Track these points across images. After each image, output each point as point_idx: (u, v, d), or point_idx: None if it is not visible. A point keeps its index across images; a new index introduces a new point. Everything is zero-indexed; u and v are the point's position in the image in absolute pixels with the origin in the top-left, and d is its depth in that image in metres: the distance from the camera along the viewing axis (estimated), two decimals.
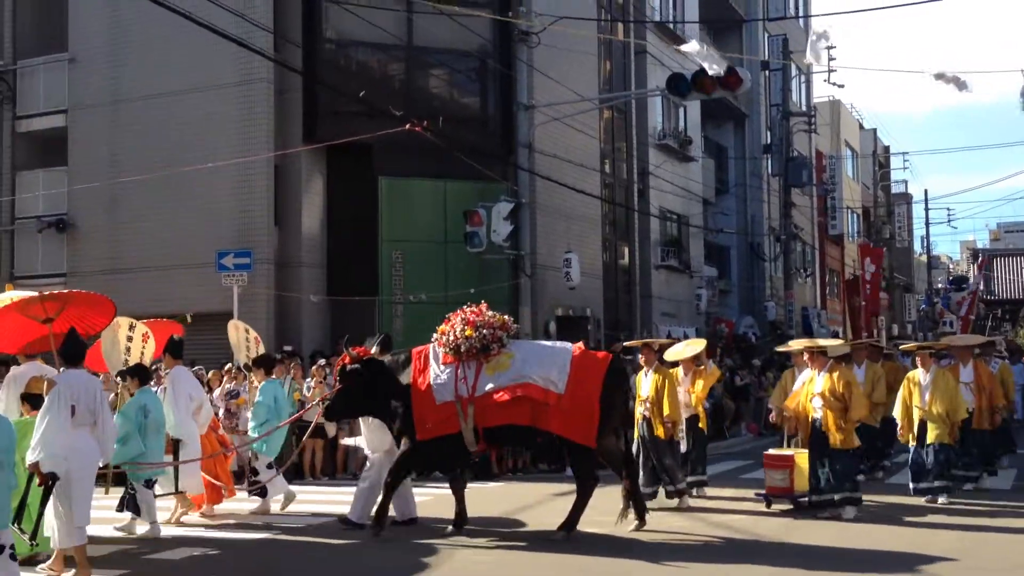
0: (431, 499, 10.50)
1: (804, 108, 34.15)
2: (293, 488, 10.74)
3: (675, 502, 10.24)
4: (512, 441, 9.51)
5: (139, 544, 8.77)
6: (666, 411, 10.15)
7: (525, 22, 18.09)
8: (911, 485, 10.61)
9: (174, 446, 9.59)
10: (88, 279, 18.73)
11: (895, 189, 52.78)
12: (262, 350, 12.46)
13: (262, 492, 10.55)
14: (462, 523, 8.98)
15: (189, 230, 17.64)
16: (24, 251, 19.62)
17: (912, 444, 10.54)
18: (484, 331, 8.73)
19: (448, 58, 19.17)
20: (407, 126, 13.76)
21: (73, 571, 7.10)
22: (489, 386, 8.55)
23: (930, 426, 10.38)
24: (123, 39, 18.67)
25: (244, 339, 12.32)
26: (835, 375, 9.50)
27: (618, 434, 9.21)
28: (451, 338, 8.77)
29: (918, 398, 10.47)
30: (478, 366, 8.65)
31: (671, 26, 25.96)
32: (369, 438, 9.62)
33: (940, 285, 53.43)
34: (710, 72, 15.07)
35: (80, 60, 19.08)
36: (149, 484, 9.08)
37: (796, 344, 11.21)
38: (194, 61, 17.71)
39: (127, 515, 9.06)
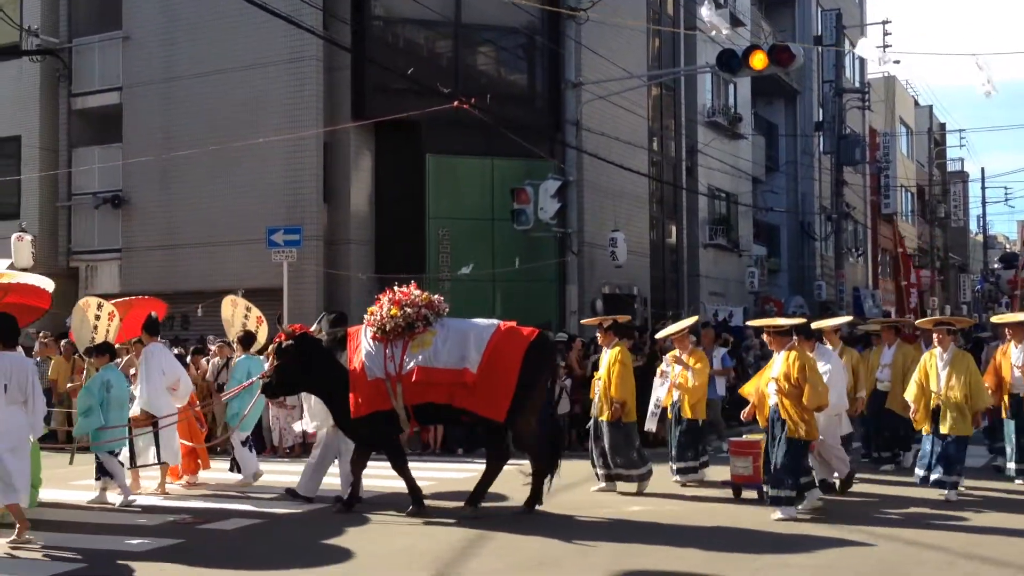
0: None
1: (857, 85, 33.54)
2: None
3: (633, 487, 9.82)
4: (439, 419, 9.42)
5: (191, 515, 9.01)
6: (613, 391, 9.80)
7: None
8: (919, 474, 9.59)
9: (152, 423, 9.98)
10: (142, 255, 19.14)
11: (951, 167, 51.76)
12: (264, 329, 12.41)
13: (238, 467, 10.93)
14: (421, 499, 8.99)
15: (240, 206, 17.88)
16: (81, 226, 20.03)
17: (927, 433, 9.48)
18: (408, 310, 8.79)
19: (496, 35, 19.12)
20: (455, 103, 13.79)
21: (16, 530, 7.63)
22: (411, 364, 8.62)
23: (947, 415, 9.23)
24: (176, 17, 18.91)
25: (242, 316, 12.32)
26: (791, 357, 8.62)
27: (542, 412, 9.22)
28: (378, 317, 8.88)
29: (934, 382, 9.31)
30: (404, 345, 8.72)
31: (722, 1, 25.59)
32: (313, 414, 9.78)
33: (995, 265, 52.34)
34: (712, 34, 15.02)
35: (134, 38, 19.36)
36: (113, 453, 9.62)
37: (754, 323, 10.94)
38: (245, 39, 17.89)
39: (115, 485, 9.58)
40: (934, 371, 9.33)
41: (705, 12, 15.90)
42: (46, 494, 9.61)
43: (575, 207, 18.35)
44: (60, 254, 20.12)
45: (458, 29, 18.83)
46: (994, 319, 12.49)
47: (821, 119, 31.22)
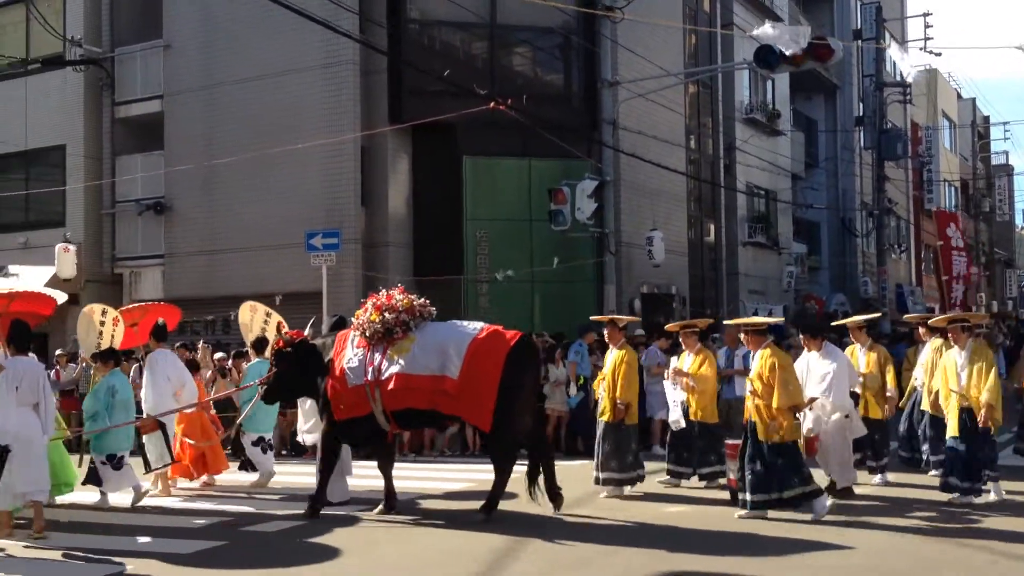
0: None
1: (898, 78, 33.07)
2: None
3: (626, 489, 9.73)
4: (421, 423, 9.40)
5: (234, 517, 9.12)
6: (618, 393, 9.65)
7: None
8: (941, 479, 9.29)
9: (160, 426, 10.16)
10: (185, 260, 19.39)
11: (995, 160, 50.80)
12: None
13: (251, 467, 11.20)
14: (392, 503, 9.05)
15: (279, 211, 18.04)
16: (124, 233, 20.34)
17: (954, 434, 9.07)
18: (387, 316, 8.79)
19: (532, 35, 19.11)
20: (491, 105, 13.80)
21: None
22: (391, 371, 8.62)
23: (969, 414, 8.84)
24: (215, 25, 19.14)
25: (261, 321, 12.38)
26: (764, 355, 8.40)
27: (532, 414, 9.19)
28: (361, 322, 8.91)
29: (954, 381, 8.90)
30: (384, 350, 8.74)
31: None
32: (304, 422, 9.90)
33: None
34: (789, 51, 14.60)
35: (175, 47, 19.62)
36: (113, 461, 9.72)
37: (730, 322, 10.69)
38: (283, 45, 18.05)
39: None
40: (953, 370, 8.97)
41: (768, 31, 15.23)
42: (75, 496, 9.89)
43: (612, 207, 18.29)
44: (105, 261, 20.44)
45: (493, 30, 18.86)
46: None
47: (861, 114, 30.81)
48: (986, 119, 49.81)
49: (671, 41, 21.33)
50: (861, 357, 10.26)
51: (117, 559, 7.43)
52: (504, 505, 8.86)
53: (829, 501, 8.58)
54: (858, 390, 10.03)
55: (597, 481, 9.88)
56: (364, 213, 18.01)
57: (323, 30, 13.70)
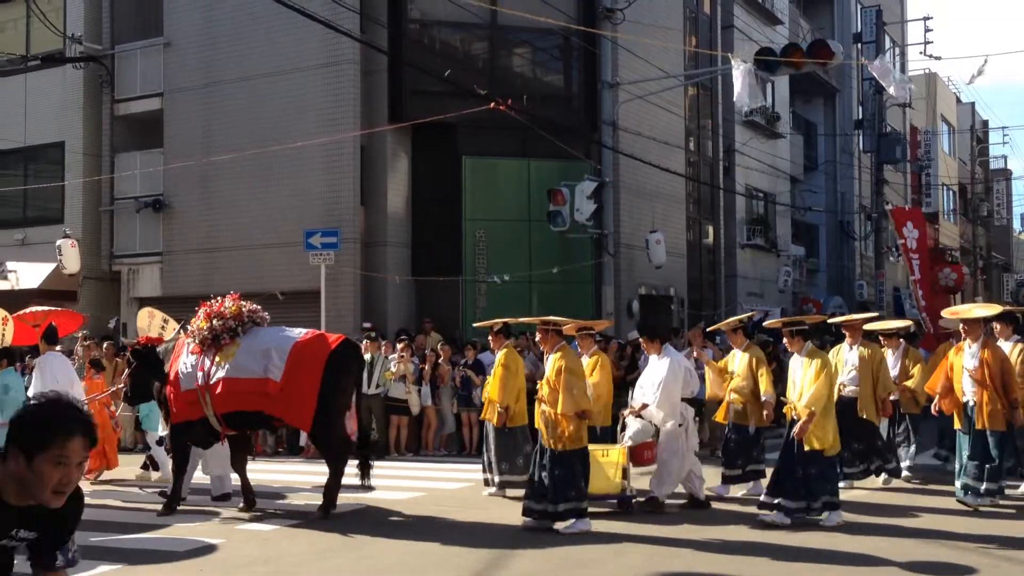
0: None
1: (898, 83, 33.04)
2: (380, 463, 10.98)
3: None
4: (252, 425, 9.59)
5: (233, 513, 9.12)
6: (493, 395, 9.67)
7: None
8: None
9: None
10: (183, 258, 19.38)
11: (994, 165, 50.89)
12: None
13: (155, 465, 11.57)
14: (252, 501, 9.26)
15: (278, 210, 18.04)
16: (123, 231, 20.32)
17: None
18: (215, 322, 9.10)
19: (532, 36, 19.12)
20: (491, 105, 13.81)
21: None
22: (218, 375, 8.93)
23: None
24: (215, 24, 19.13)
25: (159, 327, 12.36)
26: (555, 359, 8.21)
27: (357, 414, 9.45)
28: (193, 329, 9.28)
29: (793, 389, 8.42)
30: (213, 356, 9.04)
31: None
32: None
33: None
34: (891, 89, 14.68)
35: (175, 44, 19.61)
36: None
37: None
38: (283, 44, 18.05)
39: None
40: (791, 378, 8.54)
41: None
42: None
43: (611, 208, 18.30)
44: (102, 258, 20.43)
45: (494, 31, 18.86)
46: (945, 313, 10.59)
47: (861, 117, 30.84)
48: (985, 123, 49.89)
49: (671, 43, 21.32)
50: (738, 360, 9.86)
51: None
52: (501, 508, 8.85)
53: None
54: (727, 395, 9.78)
55: (494, 483, 9.89)
56: (363, 212, 18.01)
57: (324, 29, 13.70)
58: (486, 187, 18.40)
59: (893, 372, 10.66)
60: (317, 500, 9.50)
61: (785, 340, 8.71)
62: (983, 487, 8.83)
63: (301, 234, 16.55)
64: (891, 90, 15.89)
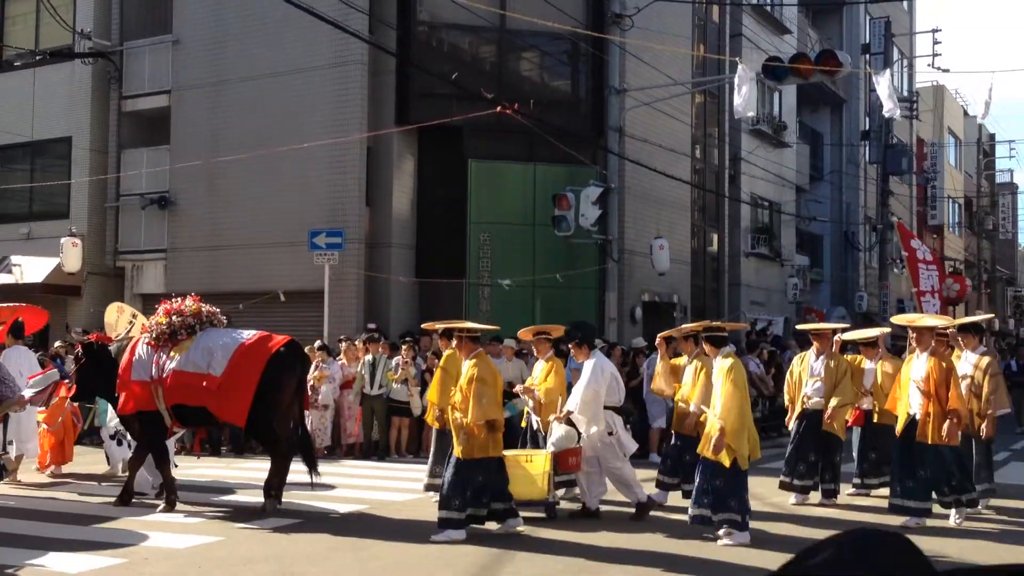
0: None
1: (906, 93, 33.07)
2: (382, 464, 11.01)
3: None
4: (197, 421, 9.79)
5: (231, 511, 9.12)
6: (431, 396, 9.58)
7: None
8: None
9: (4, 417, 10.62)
10: (187, 255, 19.40)
11: (1000, 178, 50.86)
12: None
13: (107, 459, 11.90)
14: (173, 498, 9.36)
15: (284, 209, 18.05)
16: (128, 227, 20.34)
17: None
18: (174, 319, 9.44)
19: (540, 41, 19.13)
20: (498, 109, 13.82)
21: None
22: (169, 368, 9.22)
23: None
24: (224, 22, 19.16)
25: (127, 323, 12.30)
26: (468, 366, 8.14)
27: (294, 418, 9.55)
28: (151, 325, 9.58)
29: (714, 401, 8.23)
30: (169, 351, 9.34)
31: (768, 8, 25.42)
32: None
33: None
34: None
35: (183, 42, 19.65)
36: None
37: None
38: (291, 43, 18.08)
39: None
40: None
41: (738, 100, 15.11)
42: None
43: (616, 214, 18.30)
44: (107, 254, 20.44)
45: (502, 35, 18.88)
46: (895, 319, 10.60)
47: (868, 128, 30.81)
48: (992, 137, 49.87)
49: (679, 51, 21.33)
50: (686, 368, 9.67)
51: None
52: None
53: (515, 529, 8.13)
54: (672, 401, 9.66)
55: (426, 486, 9.88)
56: (368, 213, 18.02)
57: (332, 30, 13.72)
58: (492, 190, 18.39)
59: (867, 382, 10.33)
60: (317, 499, 9.51)
61: (705, 345, 8.46)
62: (924, 505, 8.59)
63: (306, 234, 16.56)
64: (886, 104, 15.98)
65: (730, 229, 24.21)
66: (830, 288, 30.99)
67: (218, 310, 9.92)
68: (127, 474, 10.01)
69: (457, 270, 17.89)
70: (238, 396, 9.03)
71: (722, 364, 7.96)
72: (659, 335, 9.91)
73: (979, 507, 9.26)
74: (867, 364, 10.43)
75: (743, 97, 15.00)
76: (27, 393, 9.70)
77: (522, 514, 8.44)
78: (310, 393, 13.86)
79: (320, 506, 9.51)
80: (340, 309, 16.85)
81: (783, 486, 10.01)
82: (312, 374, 13.92)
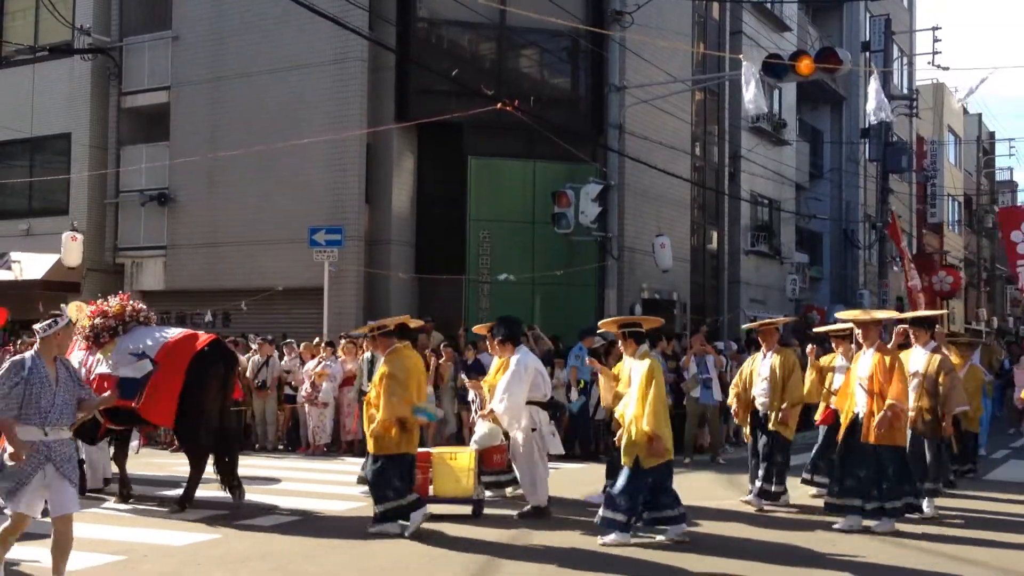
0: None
1: (905, 91, 33.05)
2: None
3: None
4: (131, 421, 9.70)
5: (229, 509, 9.12)
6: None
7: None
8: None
9: None
10: (186, 252, 19.40)
11: (1000, 176, 50.87)
12: None
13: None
14: (128, 492, 9.59)
15: (283, 206, 18.04)
16: (127, 223, 20.32)
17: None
18: (97, 321, 9.46)
19: (540, 38, 19.11)
20: (498, 106, 13.80)
21: None
22: (97, 371, 9.24)
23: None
24: (224, 18, 19.14)
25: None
26: (382, 362, 8.19)
27: (222, 415, 9.53)
28: (79, 326, 9.50)
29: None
30: (96, 352, 9.39)
31: (769, 5, 25.39)
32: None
33: None
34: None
35: (183, 38, 19.62)
36: None
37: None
38: (291, 40, 18.06)
39: None
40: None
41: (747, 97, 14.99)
42: None
43: (616, 211, 18.28)
44: (107, 250, 20.43)
45: (502, 31, 18.85)
46: (840, 315, 10.22)
47: (867, 126, 30.75)
48: (991, 135, 49.87)
49: (679, 48, 21.31)
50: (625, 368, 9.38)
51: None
52: (500, 509, 8.83)
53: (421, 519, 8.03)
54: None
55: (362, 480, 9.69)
56: (368, 210, 18.01)
57: (332, 26, 13.70)
58: (491, 188, 18.38)
59: (839, 377, 9.58)
60: (314, 497, 9.50)
61: (619, 342, 8.19)
62: (870, 506, 8.22)
63: (305, 231, 16.55)
64: (875, 113, 16.02)
65: (730, 227, 24.20)
66: (830, 286, 30.99)
67: (145, 307, 9.88)
68: (118, 472, 10.00)
69: (457, 267, 17.88)
70: (163, 397, 9.02)
71: (641, 361, 7.77)
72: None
73: (924, 512, 8.70)
74: (838, 361, 9.96)
75: (752, 95, 14.96)
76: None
77: (448, 511, 8.57)
78: (311, 390, 13.90)
79: (317, 504, 9.51)
80: (340, 306, 16.85)
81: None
82: (314, 371, 13.95)
